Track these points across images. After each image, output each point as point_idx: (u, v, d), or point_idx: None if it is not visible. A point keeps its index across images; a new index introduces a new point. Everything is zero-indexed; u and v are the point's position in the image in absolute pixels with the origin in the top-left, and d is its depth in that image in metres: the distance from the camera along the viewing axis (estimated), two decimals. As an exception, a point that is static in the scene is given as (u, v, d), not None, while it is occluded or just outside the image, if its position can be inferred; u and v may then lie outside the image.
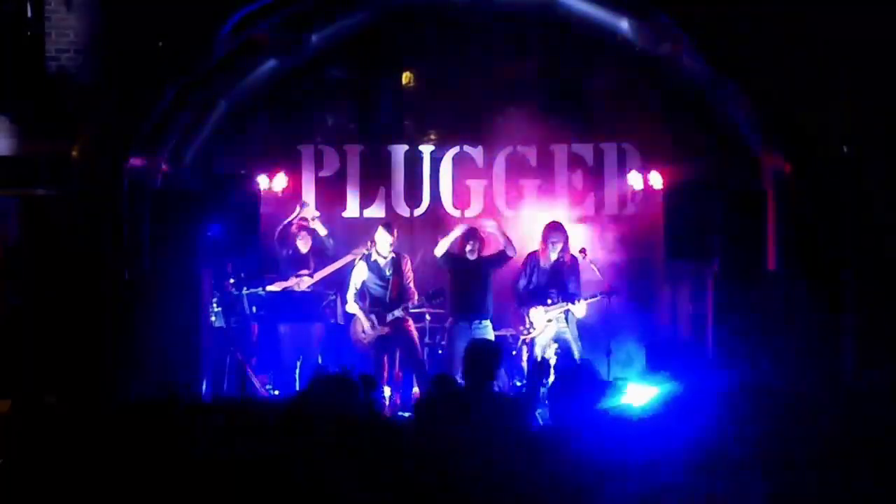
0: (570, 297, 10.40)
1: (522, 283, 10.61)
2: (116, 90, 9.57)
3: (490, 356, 6.37)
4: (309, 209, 11.57)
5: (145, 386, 9.10)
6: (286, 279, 11.15)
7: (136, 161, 9.75)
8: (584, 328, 10.70)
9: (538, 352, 10.36)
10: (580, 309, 10.39)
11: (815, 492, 4.09)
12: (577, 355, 10.34)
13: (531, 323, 10.49)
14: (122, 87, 9.57)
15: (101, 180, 9.51)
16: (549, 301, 10.42)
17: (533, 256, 10.66)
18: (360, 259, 10.67)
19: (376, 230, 10.72)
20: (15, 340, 9.53)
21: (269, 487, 4.27)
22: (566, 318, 10.47)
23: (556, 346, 10.35)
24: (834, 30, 9.29)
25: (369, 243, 10.65)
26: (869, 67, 9.27)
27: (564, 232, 10.59)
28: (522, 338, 10.54)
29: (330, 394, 5.52)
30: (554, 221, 10.73)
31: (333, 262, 11.21)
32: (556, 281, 10.49)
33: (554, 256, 10.51)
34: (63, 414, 5.10)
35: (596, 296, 10.43)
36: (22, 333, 9.53)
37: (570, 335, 10.47)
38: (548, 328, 10.45)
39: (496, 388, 6.55)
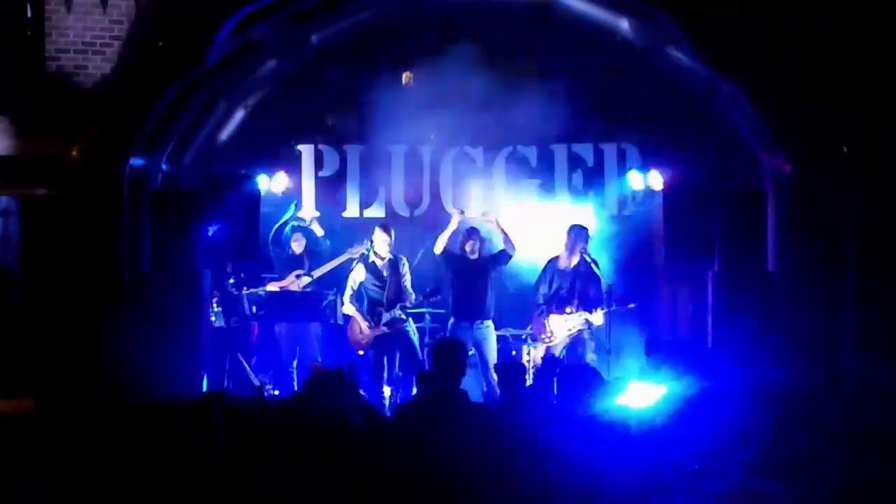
0: (590, 306, 10.26)
1: (543, 289, 10.48)
2: (117, 90, 9.56)
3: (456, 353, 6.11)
4: (306, 210, 11.59)
5: (145, 386, 9.09)
6: (282, 279, 11.20)
7: (136, 161, 9.76)
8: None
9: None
10: (598, 318, 10.29)
11: (820, 489, 4.09)
12: (588, 355, 10.24)
13: (551, 332, 10.38)
14: (123, 87, 9.57)
15: (101, 180, 9.52)
16: (569, 310, 10.31)
17: (554, 261, 10.52)
18: (358, 261, 10.67)
19: (373, 231, 10.72)
20: (15, 340, 9.53)
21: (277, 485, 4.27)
22: (588, 326, 10.32)
23: (564, 351, 10.30)
24: (834, 30, 9.30)
25: (368, 243, 10.65)
26: (869, 67, 9.27)
27: (587, 235, 10.50)
28: (544, 346, 10.38)
29: (322, 392, 5.52)
30: (579, 225, 10.59)
31: (328, 261, 11.21)
32: (578, 287, 10.36)
33: (576, 260, 10.39)
34: (70, 414, 5.10)
35: (612, 306, 10.31)
36: (22, 333, 9.53)
37: (587, 339, 10.35)
38: (565, 338, 10.34)
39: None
